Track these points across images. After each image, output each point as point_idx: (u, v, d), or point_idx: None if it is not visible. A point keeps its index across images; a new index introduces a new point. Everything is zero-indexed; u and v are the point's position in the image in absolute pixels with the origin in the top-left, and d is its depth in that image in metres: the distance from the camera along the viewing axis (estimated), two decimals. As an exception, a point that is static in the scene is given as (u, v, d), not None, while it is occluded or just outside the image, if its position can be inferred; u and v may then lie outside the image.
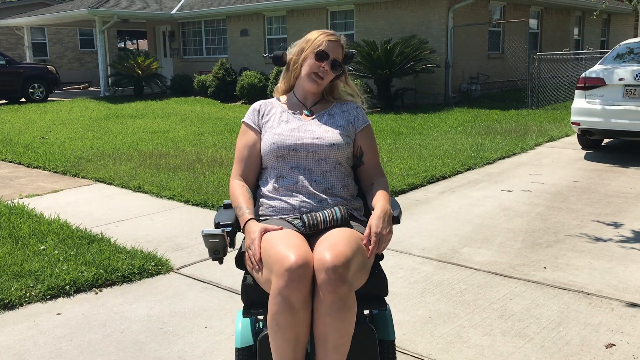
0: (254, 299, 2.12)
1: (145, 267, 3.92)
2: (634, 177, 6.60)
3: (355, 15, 16.22)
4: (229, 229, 2.18)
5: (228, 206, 2.42)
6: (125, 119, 12.82)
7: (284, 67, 2.49)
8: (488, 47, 16.67)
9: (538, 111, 12.88)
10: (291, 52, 2.44)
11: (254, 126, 2.40)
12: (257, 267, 2.04)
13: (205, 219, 5.19)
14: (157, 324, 3.23)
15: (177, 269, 4.02)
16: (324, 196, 2.24)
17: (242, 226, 2.19)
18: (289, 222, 2.20)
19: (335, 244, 1.97)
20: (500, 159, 7.80)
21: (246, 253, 2.11)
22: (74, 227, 4.74)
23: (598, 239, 4.49)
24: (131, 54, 19.58)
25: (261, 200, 2.33)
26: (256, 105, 2.46)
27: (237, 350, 2.32)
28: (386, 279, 2.15)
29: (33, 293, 3.51)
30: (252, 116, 2.42)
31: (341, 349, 1.93)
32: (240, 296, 3.53)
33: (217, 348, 2.95)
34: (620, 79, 7.31)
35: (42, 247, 4.21)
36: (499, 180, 6.63)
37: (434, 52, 14.29)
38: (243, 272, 2.23)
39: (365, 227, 2.21)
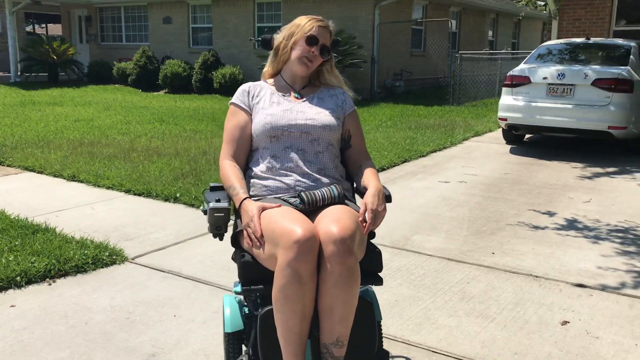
0: (252, 276, 2.11)
1: (99, 257, 3.77)
2: (557, 169, 7.05)
3: (282, 8, 16.19)
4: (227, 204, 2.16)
5: (215, 189, 2.39)
6: (43, 106, 12.16)
7: (272, 51, 2.48)
8: (411, 44, 17.16)
9: (460, 107, 13.42)
10: (279, 37, 2.45)
11: (244, 107, 2.39)
12: (257, 244, 2.04)
13: (152, 209, 5.05)
14: (122, 313, 3.12)
15: (132, 259, 3.90)
16: (318, 175, 2.27)
17: (237, 205, 2.18)
18: (284, 200, 2.21)
19: (339, 218, 2.01)
20: (432, 152, 8.08)
21: (244, 231, 2.10)
22: (12, 217, 4.48)
23: (536, 227, 4.78)
24: (46, 38, 18.54)
25: (252, 180, 2.32)
26: (245, 86, 2.45)
27: (227, 335, 2.31)
28: (381, 255, 2.20)
29: (-20, 285, 3.30)
30: (241, 97, 2.41)
31: (347, 320, 1.97)
32: (201, 284, 3.50)
33: (190, 336, 2.90)
34: (545, 78, 7.77)
35: (-19, 238, 3.96)
36: (434, 172, 6.88)
37: (362, 48, 14.54)
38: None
39: (355, 207, 2.26)
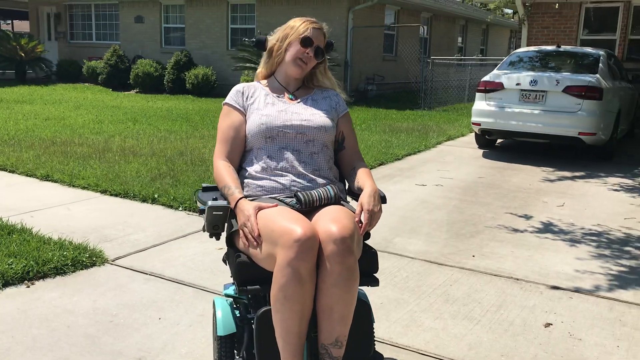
0: (248, 277, 2.09)
1: (79, 258, 3.69)
2: (530, 174, 7.18)
3: (256, 10, 16.14)
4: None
5: (208, 189, 2.37)
6: (11, 104, 11.87)
7: (266, 53, 2.48)
8: (383, 49, 17.29)
9: (431, 112, 13.56)
10: (273, 38, 2.45)
11: (238, 107, 2.37)
12: (255, 243, 2.03)
13: (130, 210, 4.97)
14: (105, 316, 3.06)
15: (113, 261, 3.83)
16: (313, 176, 2.27)
17: (233, 205, 2.16)
18: (280, 200, 2.20)
19: (338, 218, 2.02)
20: (407, 156, 8.15)
21: (240, 231, 2.08)
22: (-15, 217, 4.36)
23: (514, 230, 4.86)
24: (13, 35, 18.11)
25: (247, 181, 2.31)
26: (239, 87, 2.44)
27: (220, 338, 2.28)
28: (377, 255, 2.21)
29: (-44, 287, 3.20)
30: (235, 97, 2.40)
31: (346, 319, 1.97)
32: (185, 286, 3.46)
33: (177, 340, 2.86)
34: (518, 84, 7.91)
35: (-47, 238, 3.84)
36: (410, 175, 6.93)
37: (335, 51, 14.57)
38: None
39: (351, 208, 2.27)
